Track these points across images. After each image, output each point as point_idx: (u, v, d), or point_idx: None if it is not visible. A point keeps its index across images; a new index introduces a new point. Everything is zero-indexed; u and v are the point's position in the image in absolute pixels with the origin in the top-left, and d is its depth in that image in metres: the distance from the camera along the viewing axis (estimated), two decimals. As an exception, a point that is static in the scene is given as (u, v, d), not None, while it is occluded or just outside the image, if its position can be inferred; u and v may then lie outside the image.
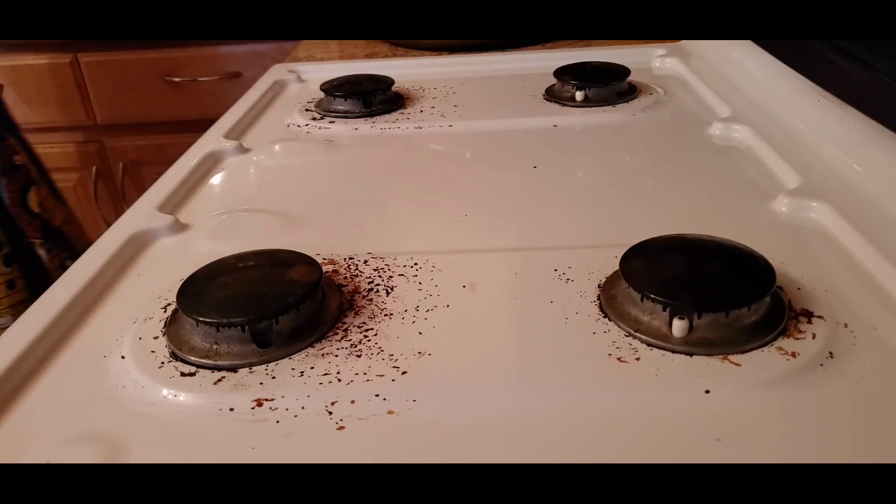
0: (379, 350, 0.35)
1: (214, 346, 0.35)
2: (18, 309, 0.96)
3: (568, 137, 0.62)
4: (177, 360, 0.35)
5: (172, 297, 0.38)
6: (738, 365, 0.32)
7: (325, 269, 0.40)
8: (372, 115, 0.68)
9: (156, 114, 1.36)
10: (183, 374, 0.34)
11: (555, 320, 0.36)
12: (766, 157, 0.52)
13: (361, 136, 0.65)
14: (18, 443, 0.31)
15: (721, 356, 0.33)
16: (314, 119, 0.69)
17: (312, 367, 0.34)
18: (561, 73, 0.70)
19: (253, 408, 0.32)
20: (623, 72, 0.70)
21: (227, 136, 0.64)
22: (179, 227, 0.48)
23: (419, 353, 0.35)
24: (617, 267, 0.37)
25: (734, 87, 0.68)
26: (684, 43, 0.81)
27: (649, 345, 0.34)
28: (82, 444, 0.30)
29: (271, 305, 0.35)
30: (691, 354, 0.33)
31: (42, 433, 0.31)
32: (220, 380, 0.34)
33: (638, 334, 0.34)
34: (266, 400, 0.32)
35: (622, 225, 0.46)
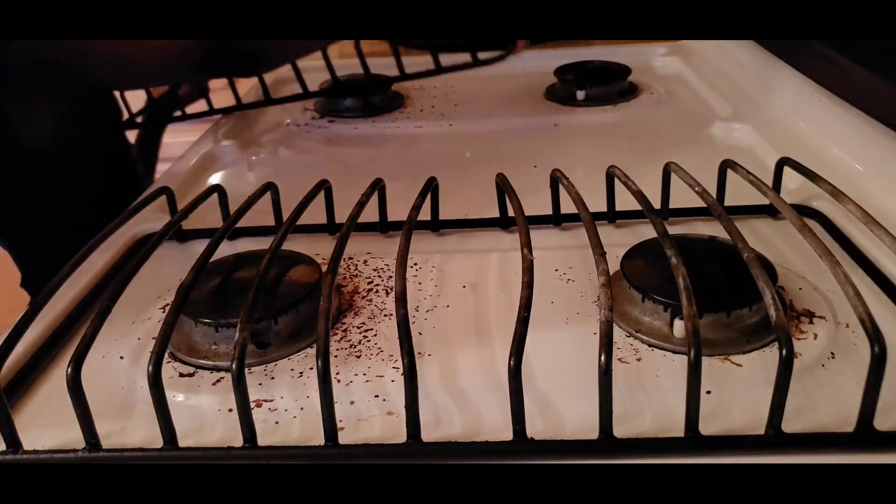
0: (378, 350, 0.35)
1: (213, 347, 0.35)
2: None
3: (569, 137, 0.62)
4: (176, 361, 0.35)
5: (171, 298, 0.37)
6: (740, 365, 0.32)
7: (324, 268, 0.40)
8: (372, 115, 0.68)
9: (155, 113, 1.35)
10: (182, 375, 0.34)
11: (555, 320, 0.36)
12: (768, 156, 0.52)
13: (361, 136, 0.65)
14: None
15: (722, 356, 0.33)
16: (314, 118, 0.69)
17: (311, 368, 0.34)
18: (562, 72, 0.70)
19: (252, 409, 0.32)
20: (624, 71, 0.70)
21: (227, 135, 0.64)
22: (178, 227, 0.48)
23: (419, 353, 0.34)
24: (618, 267, 0.37)
25: (735, 86, 0.68)
26: (685, 42, 0.81)
27: (650, 345, 0.34)
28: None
29: (270, 306, 0.35)
30: (692, 355, 0.33)
31: (42, 433, 0.31)
32: (218, 380, 0.34)
33: (639, 335, 0.34)
34: (265, 401, 0.32)
35: (623, 225, 0.46)
